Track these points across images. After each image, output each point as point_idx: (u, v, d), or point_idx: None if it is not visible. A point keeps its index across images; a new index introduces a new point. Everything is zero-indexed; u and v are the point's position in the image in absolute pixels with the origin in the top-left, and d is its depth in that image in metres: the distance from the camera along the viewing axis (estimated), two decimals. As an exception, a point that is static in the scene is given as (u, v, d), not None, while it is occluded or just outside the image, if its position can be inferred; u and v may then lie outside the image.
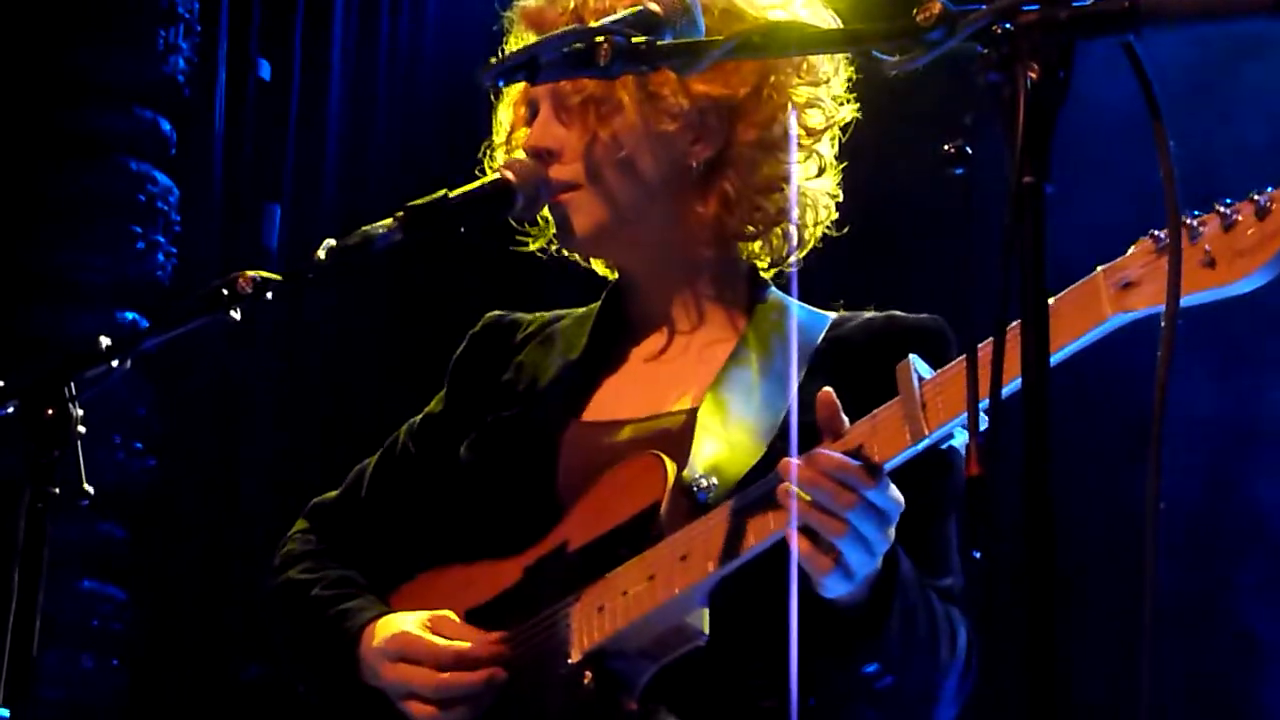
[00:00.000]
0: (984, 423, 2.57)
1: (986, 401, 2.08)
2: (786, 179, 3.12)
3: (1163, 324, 2.03)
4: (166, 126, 7.52)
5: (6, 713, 2.74)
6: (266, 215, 7.63)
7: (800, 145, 3.13)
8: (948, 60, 2.10)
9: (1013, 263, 1.96)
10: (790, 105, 3.10)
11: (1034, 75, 1.99)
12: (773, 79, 3.08)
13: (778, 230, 3.15)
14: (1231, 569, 6.89)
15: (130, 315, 7.25)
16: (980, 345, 2.15)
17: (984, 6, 2.06)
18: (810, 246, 3.21)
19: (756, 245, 3.17)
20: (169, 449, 7.42)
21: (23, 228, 7.29)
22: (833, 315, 3.15)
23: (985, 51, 2.04)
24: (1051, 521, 1.90)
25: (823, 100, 3.14)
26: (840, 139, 3.20)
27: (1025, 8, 2.02)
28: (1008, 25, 2.02)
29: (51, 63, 7.32)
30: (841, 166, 3.20)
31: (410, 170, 7.35)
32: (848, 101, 3.17)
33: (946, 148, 2.04)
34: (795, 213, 3.14)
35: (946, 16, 2.07)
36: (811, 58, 3.11)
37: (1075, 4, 2.02)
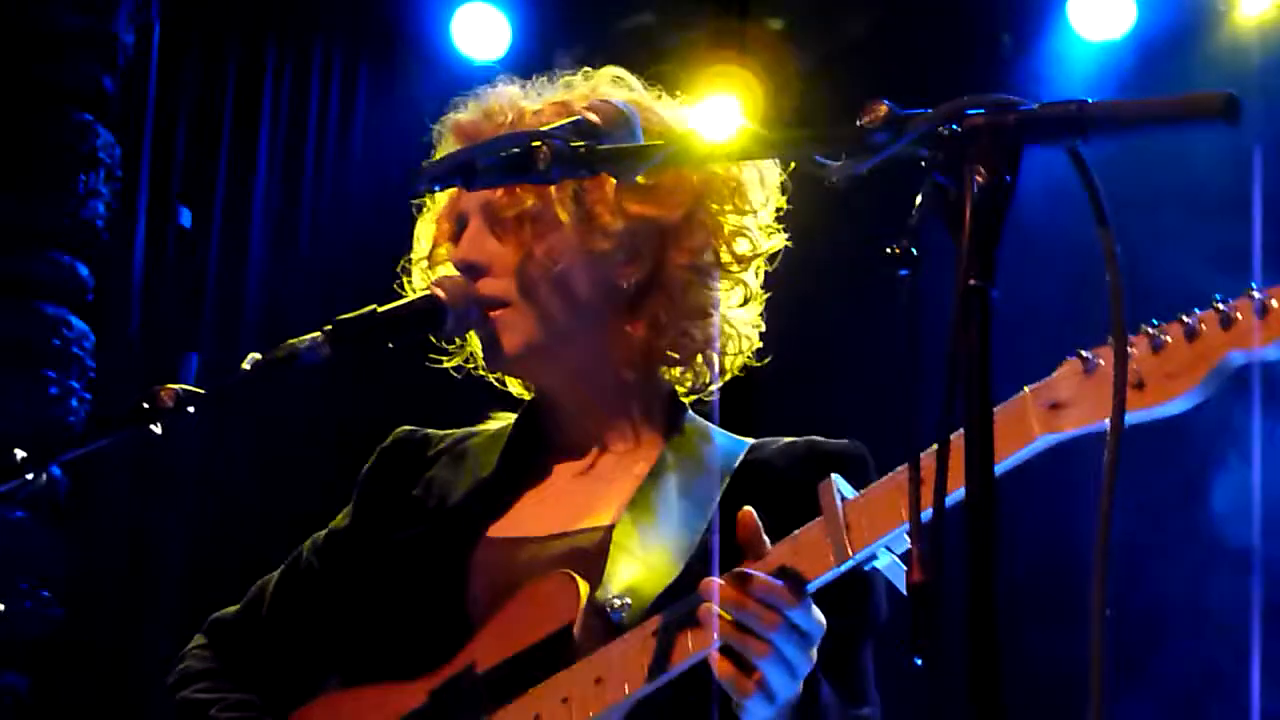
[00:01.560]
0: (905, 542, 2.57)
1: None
2: (715, 306, 3.11)
3: (1106, 448, 2.00)
4: (84, 271, 7.49)
5: None
6: (184, 364, 7.59)
7: (728, 274, 3.12)
8: (890, 165, 2.09)
9: (957, 366, 1.93)
10: (720, 232, 3.09)
11: (980, 178, 1.98)
12: (706, 204, 3.08)
13: (700, 358, 3.13)
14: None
15: (50, 470, 7.15)
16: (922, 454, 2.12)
17: (928, 111, 2.06)
18: (730, 376, 3.19)
19: (678, 370, 3.14)
20: (73, 597, 7.34)
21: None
22: (750, 441, 3.13)
23: (931, 154, 2.02)
24: (994, 631, 1.87)
25: (751, 230, 3.13)
26: (766, 270, 3.19)
27: (971, 111, 2.02)
28: (954, 128, 2.02)
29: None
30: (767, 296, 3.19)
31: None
32: (776, 232, 3.16)
33: (890, 249, 2.02)
34: (718, 342, 3.13)
35: (893, 119, 2.06)
36: (744, 186, 3.10)
37: (1022, 108, 2.01)
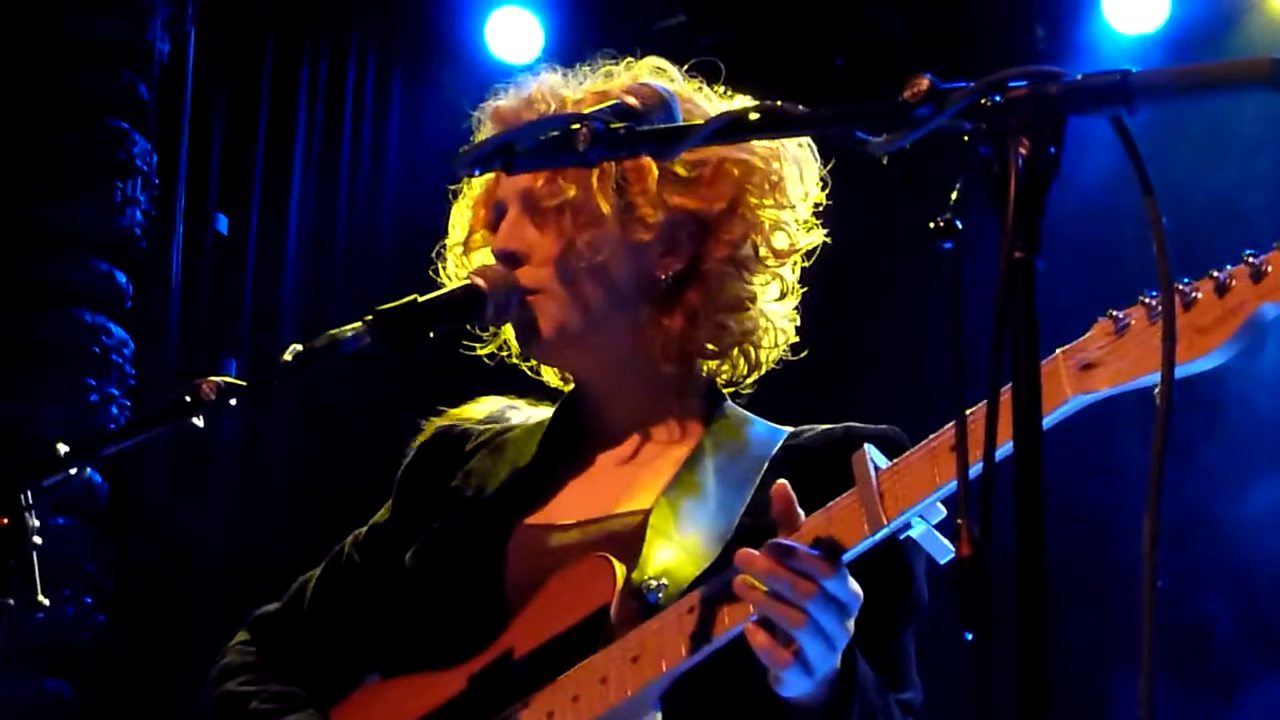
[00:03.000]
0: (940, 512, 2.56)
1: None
2: (753, 299, 3.10)
3: (1156, 401, 1.98)
4: (123, 279, 7.51)
5: None
6: (222, 369, 7.60)
7: (765, 268, 3.11)
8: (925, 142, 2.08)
9: (1005, 336, 1.92)
10: (760, 226, 3.08)
11: (1024, 150, 1.96)
12: (746, 197, 3.07)
13: (737, 351, 3.12)
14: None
15: (89, 471, 7.18)
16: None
17: (970, 84, 2.04)
18: (767, 369, 3.18)
19: (715, 363, 3.13)
20: (118, 603, 7.37)
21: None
22: (789, 429, 3.12)
23: (975, 126, 2.01)
24: (1044, 599, 1.85)
25: (789, 225, 3.12)
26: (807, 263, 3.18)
27: (1014, 83, 2.00)
28: (997, 99, 2.00)
29: (10, 214, 7.33)
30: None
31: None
32: (815, 227, 3.16)
33: (934, 223, 2.01)
34: (755, 335, 3.12)
35: (935, 93, 2.05)
36: (784, 180, 3.10)
37: (1065, 79, 2.00)
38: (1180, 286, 2.32)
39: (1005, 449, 1.98)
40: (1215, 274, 2.30)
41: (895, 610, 2.87)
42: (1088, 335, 2.42)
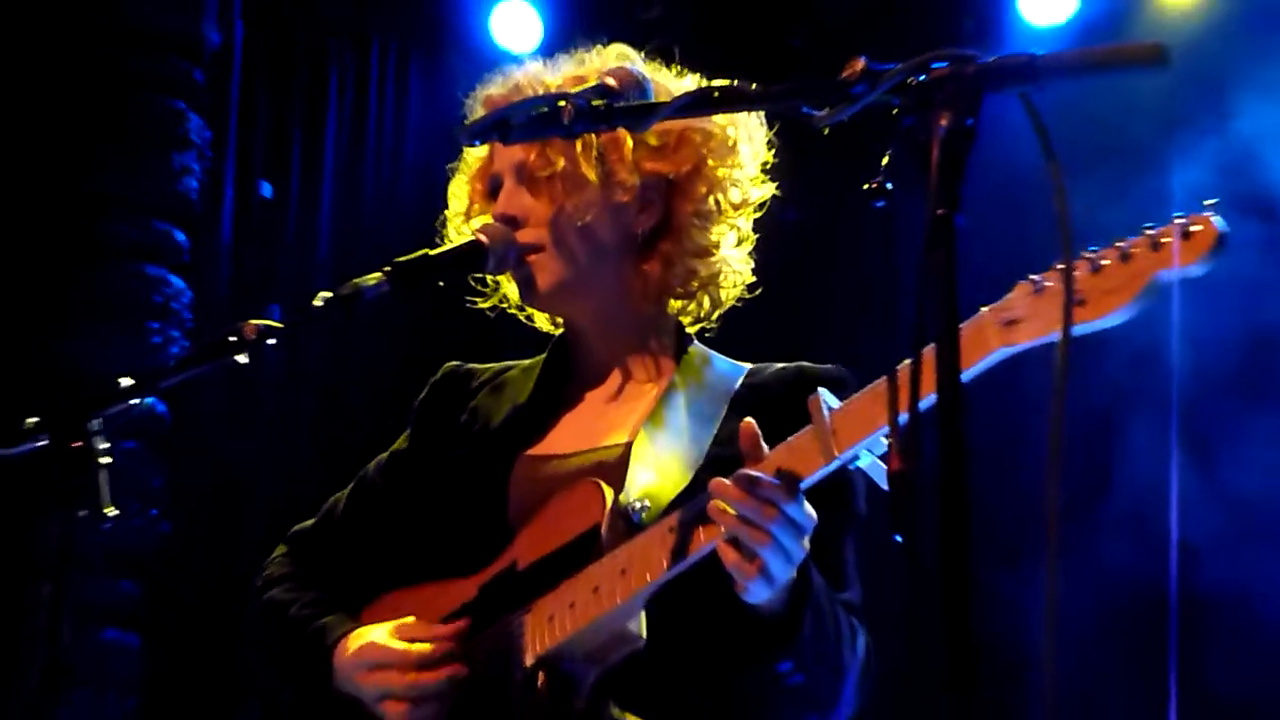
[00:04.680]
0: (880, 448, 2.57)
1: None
2: (716, 246, 3.09)
3: (1058, 354, 2.00)
4: (180, 237, 7.50)
5: None
6: (265, 313, 7.57)
7: (724, 219, 3.11)
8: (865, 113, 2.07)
9: (928, 283, 1.92)
10: (719, 184, 3.08)
11: (945, 122, 1.96)
12: (707, 161, 3.07)
13: (703, 292, 3.12)
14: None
15: (149, 400, 7.19)
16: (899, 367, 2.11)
17: (899, 65, 2.04)
18: (727, 307, 3.18)
19: (680, 303, 3.13)
20: (179, 515, 7.38)
21: (54, 324, 7.25)
22: (748, 366, 3.11)
23: (902, 102, 2.01)
24: (967, 508, 1.86)
25: (743, 182, 3.12)
26: (757, 214, 3.18)
27: (936, 64, 2.00)
28: (922, 78, 2.00)
29: (80, 181, 7.32)
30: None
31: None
32: (765, 182, 3.15)
33: (868, 185, 2.01)
34: (719, 277, 3.12)
35: (868, 73, 2.05)
36: (738, 146, 3.09)
37: (980, 60, 1.99)
38: (1088, 254, 2.32)
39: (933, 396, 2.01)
40: (1119, 244, 2.31)
41: (839, 526, 2.87)
42: (1010, 296, 2.42)
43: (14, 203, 7.24)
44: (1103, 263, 2.31)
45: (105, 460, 2.75)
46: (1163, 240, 2.26)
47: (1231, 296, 5.96)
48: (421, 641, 2.90)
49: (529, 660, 2.81)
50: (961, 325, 2.35)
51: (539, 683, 2.79)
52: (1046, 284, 2.38)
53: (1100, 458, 6.60)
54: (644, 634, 2.76)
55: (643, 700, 2.78)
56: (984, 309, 2.43)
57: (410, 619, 2.95)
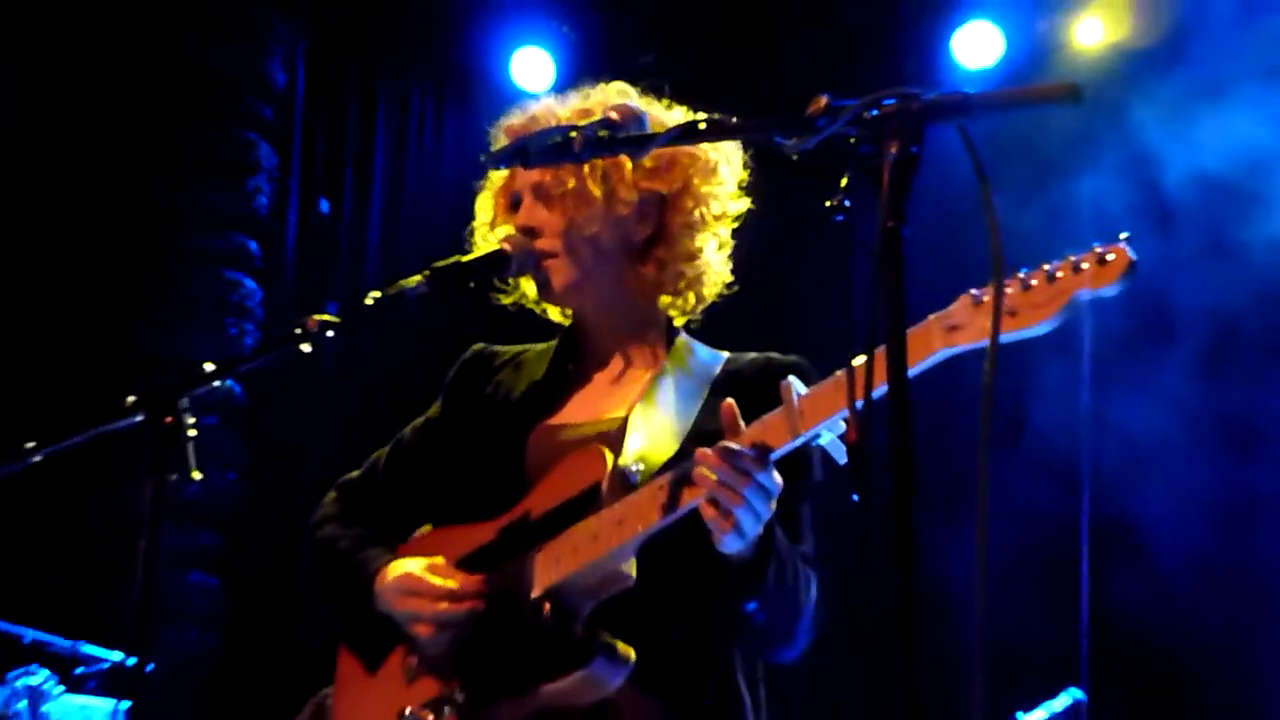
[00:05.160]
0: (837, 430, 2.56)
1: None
2: (700, 252, 3.08)
3: (986, 359, 2.00)
4: (253, 246, 7.51)
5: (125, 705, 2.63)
6: (324, 309, 7.56)
7: (707, 228, 3.09)
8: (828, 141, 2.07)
9: (881, 286, 1.92)
10: (704, 199, 3.07)
11: (894, 149, 1.96)
12: (694, 180, 3.05)
13: (690, 290, 3.11)
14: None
15: (228, 382, 7.18)
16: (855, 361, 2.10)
17: (856, 101, 2.03)
18: (710, 303, 3.16)
19: (670, 299, 3.12)
20: (252, 478, 7.39)
21: (148, 319, 7.26)
22: (725, 354, 3.10)
23: (858, 132, 2.00)
24: (912, 477, 1.86)
25: (723, 197, 3.10)
26: (735, 225, 3.16)
27: (886, 100, 1.99)
28: (875, 113, 1.99)
29: (169, 200, 7.33)
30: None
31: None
32: (742, 198, 3.13)
33: (829, 202, 2.00)
34: (703, 278, 3.11)
35: (830, 109, 2.04)
36: (719, 168, 3.08)
37: (924, 98, 1.99)
38: (1021, 275, 2.31)
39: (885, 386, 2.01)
40: (1046, 266, 2.29)
41: (799, 490, 2.86)
42: (952, 306, 2.40)
43: (115, 218, 7.25)
44: (1032, 282, 2.29)
45: (192, 433, 2.75)
46: (1083, 265, 2.25)
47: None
48: (448, 578, 2.91)
49: (537, 592, 2.80)
50: (911, 329, 2.37)
51: (544, 611, 2.78)
52: (984, 298, 2.37)
53: (1016, 404, 6.59)
54: (634, 575, 2.75)
55: (630, 630, 2.77)
56: (931, 316, 2.41)
57: (440, 559, 2.95)
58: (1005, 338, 2.31)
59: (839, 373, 2.53)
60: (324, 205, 7.85)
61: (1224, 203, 6.39)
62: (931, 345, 2.40)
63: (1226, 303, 6.41)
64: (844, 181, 2.00)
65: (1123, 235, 2.20)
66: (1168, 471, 6.41)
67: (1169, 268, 6.13)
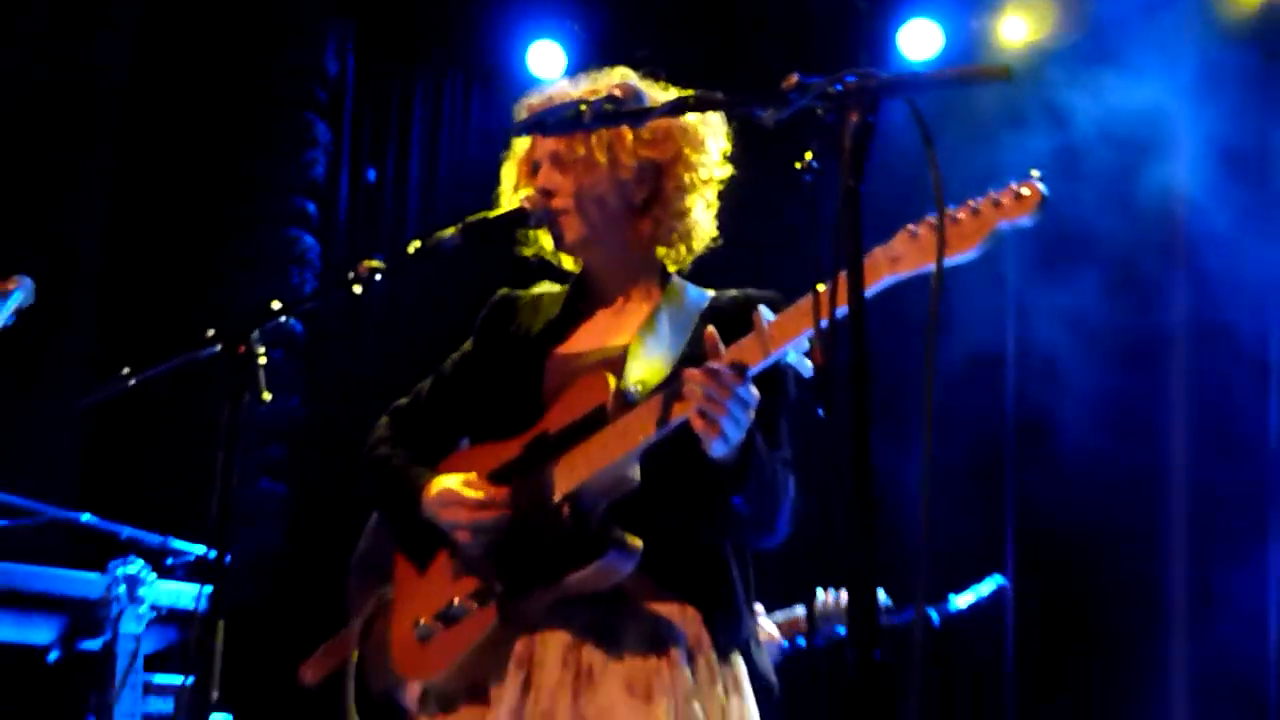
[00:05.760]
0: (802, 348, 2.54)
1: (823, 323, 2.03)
2: (690, 211, 3.06)
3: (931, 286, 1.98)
4: (311, 208, 7.45)
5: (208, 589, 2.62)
6: (373, 258, 7.54)
7: (696, 191, 3.06)
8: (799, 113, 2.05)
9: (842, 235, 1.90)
10: (693, 165, 3.04)
11: (854, 118, 1.94)
12: (685, 148, 3.03)
13: (681, 243, 3.08)
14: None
15: (291, 320, 7.14)
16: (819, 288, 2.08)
17: (822, 79, 2.01)
18: (699, 254, 3.14)
19: (665, 250, 3.10)
20: (312, 400, 7.37)
21: (225, 269, 7.24)
22: (711, 292, 3.09)
23: (824, 105, 1.98)
24: (869, 390, 1.85)
25: (709, 164, 3.08)
26: (720, 188, 3.13)
27: (848, 78, 1.98)
28: (839, 88, 1.97)
29: (240, 170, 7.30)
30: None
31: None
32: (726, 164, 3.10)
33: (799, 164, 1.99)
34: (693, 233, 3.08)
35: (801, 85, 2.02)
36: (706, 140, 3.05)
37: (879, 76, 1.97)
38: (950, 211, 2.29)
39: (844, 309, 1.99)
40: (971, 203, 2.28)
41: (775, 404, 2.85)
42: (894, 240, 2.39)
43: (198, 186, 7.23)
44: (959, 216, 2.29)
45: (262, 361, 2.74)
46: (1002, 200, 2.23)
47: (1047, 212, 5.93)
48: (481, 490, 2.90)
49: (557, 497, 2.80)
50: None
51: (565, 512, 2.79)
52: (919, 231, 2.36)
53: (946, 326, 6.55)
54: (638, 478, 2.75)
55: (637, 525, 2.77)
56: (876, 248, 2.40)
57: (474, 474, 2.94)
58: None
59: (802, 299, 2.52)
60: (371, 174, 7.80)
61: (1123, 153, 6.39)
62: (879, 272, 2.38)
63: (1126, 233, 6.41)
64: (811, 148, 1.99)
65: (1035, 172, 2.18)
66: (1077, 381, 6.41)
67: (1077, 205, 6.11)
